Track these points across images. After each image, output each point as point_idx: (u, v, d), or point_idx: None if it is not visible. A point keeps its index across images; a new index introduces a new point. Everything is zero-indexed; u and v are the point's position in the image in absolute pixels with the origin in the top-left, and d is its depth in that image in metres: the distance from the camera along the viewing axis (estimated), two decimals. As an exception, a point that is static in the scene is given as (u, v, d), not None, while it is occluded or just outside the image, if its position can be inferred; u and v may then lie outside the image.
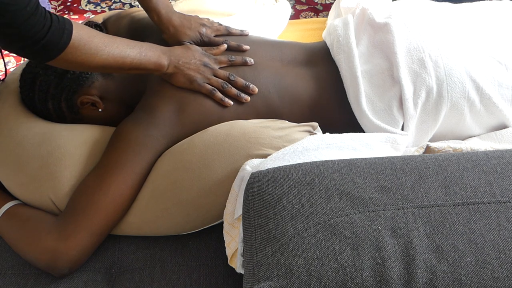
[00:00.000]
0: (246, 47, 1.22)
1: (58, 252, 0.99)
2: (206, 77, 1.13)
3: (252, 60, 1.19)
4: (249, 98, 1.14)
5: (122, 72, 1.09)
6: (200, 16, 1.31)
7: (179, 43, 1.21)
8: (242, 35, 1.28)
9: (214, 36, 1.25)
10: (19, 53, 0.96)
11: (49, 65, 1.13)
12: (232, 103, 1.13)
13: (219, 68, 1.17)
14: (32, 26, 0.90)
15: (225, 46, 1.21)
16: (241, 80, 1.15)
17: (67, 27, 0.95)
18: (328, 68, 1.20)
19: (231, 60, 1.18)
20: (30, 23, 0.90)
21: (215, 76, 1.15)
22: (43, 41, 0.92)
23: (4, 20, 0.88)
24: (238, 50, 1.21)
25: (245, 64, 1.18)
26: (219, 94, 1.13)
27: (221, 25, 1.28)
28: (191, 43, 1.21)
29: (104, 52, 1.01)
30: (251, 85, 1.15)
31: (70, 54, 0.96)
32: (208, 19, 1.29)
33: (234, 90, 1.14)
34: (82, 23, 1.43)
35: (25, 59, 1.20)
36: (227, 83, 1.14)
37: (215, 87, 1.13)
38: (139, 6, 1.36)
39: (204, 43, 1.23)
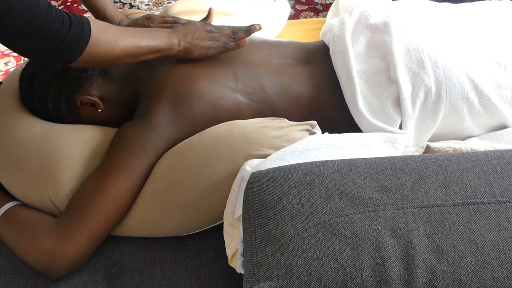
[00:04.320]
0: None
1: (56, 255, 0.99)
2: (216, 41, 1.18)
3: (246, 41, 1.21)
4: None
5: (140, 59, 1.10)
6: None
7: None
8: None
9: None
10: (42, 57, 0.96)
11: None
12: (248, 41, 1.19)
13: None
14: (52, 24, 0.90)
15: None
16: (242, 32, 1.20)
17: (84, 19, 0.96)
18: (326, 67, 1.20)
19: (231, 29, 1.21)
20: (49, 22, 0.90)
21: (221, 35, 1.20)
22: (68, 37, 0.92)
23: (22, 24, 0.87)
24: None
25: (249, 32, 1.21)
26: (233, 44, 1.18)
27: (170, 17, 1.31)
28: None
29: (122, 38, 1.03)
30: (250, 26, 1.21)
31: (95, 44, 0.97)
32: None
33: (242, 34, 1.19)
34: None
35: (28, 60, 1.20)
36: (234, 34, 1.19)
37: (226, 42, 1.19)
38: (139, 7, 1.36)
39: None
